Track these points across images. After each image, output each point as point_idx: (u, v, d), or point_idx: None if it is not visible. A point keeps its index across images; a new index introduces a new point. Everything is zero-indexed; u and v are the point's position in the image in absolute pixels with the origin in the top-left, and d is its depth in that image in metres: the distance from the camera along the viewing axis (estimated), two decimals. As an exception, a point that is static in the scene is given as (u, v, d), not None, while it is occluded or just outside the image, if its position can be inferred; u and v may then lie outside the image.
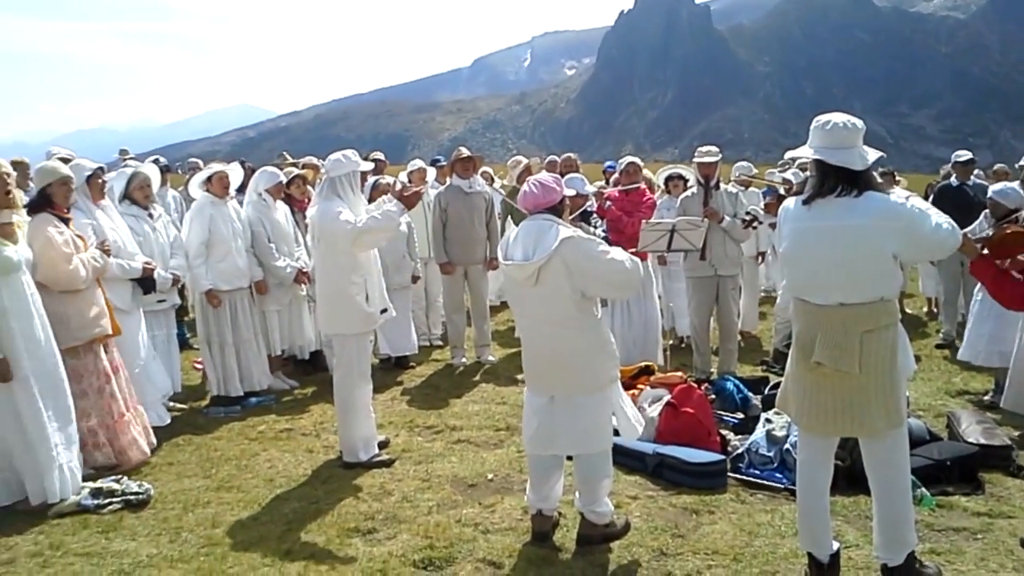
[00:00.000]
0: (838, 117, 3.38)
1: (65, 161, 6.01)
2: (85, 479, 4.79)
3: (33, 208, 5.02)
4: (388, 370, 7.64)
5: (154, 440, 5.55)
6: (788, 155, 3.93)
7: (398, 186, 6.14)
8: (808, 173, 3.86)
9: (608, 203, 7.13)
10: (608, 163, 10.66)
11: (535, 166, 8.61)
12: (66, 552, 4.02)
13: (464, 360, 7.87)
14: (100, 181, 5.82)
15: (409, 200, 5.06)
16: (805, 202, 3.42)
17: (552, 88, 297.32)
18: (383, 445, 5.43)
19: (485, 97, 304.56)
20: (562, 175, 6.23)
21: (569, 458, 4.09)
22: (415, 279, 7.99)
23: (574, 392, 3.86)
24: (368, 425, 5.29)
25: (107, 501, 4.59)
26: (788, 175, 8.35)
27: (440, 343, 8.67)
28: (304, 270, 7.04)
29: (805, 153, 3.43)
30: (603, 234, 6.26)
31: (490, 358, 7.94)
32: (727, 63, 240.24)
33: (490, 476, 4.94)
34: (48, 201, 5.07)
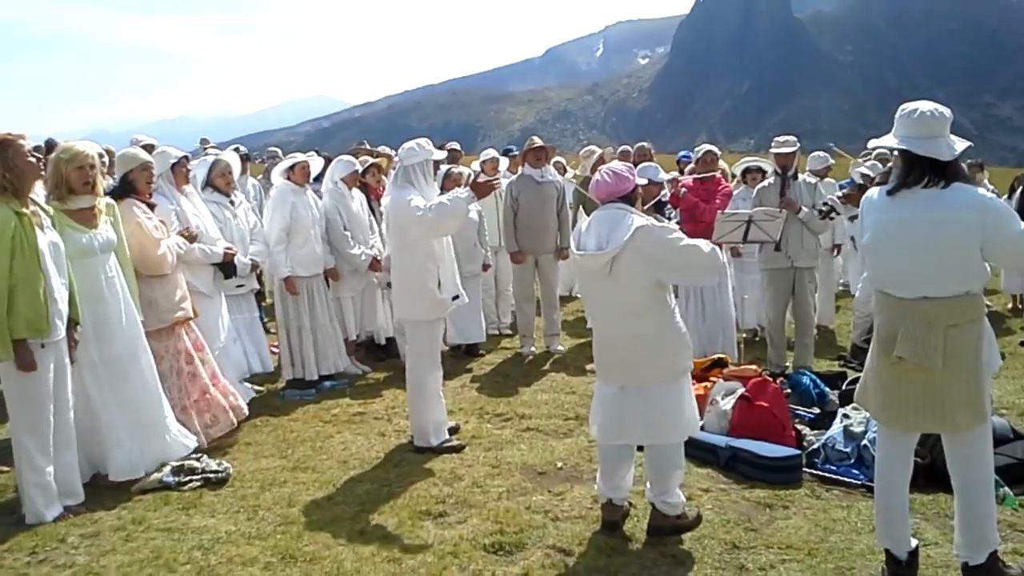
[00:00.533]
0: (925, 105, 3.28)
1: (149, 149, 6.18)
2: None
3: (116, 194, 5.13)
4: (458, 357, 7.70)
5: (245, 411, 5.70)
6: (872, 144, 3.82)
7: (469, 176, 6.18)
8: (889, 164, 3.75)
9: (683, 191, 7.04)
10: (682, 153, 10.53)
11: (608, 156, 8.56)
12: (148, 527, 4.17)
13: (533, 349, 7.88)
14: (184, 169, 5.99)
15: (481, 188, 5.09)
16: (890, 192, 3.32)
17: (624, 78, 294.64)
18: (453, 431, 5.49)
19: (556, 87, 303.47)
20: (635, 164, 6.19)
21: (640, 448, 4.07)
22: (486, 267, 8.04)
23: (646, 382, 3.84)
24: (439, 411, 5.35)
25: (187, 479, 4.73)
26: (865, 168, 8.12)
27: (509, 332, 8.70)
28: (378, 258, 7.14)
29: (890, 142, 3.34)
30: (677, 223, 6.19)
31: (559, 348, 7.93)
32: (806, 52, 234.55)
33: (559, 464, 4.95)
34: (131, 187, 5.21)
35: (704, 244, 3.78)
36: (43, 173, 4.47)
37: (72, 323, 4.36)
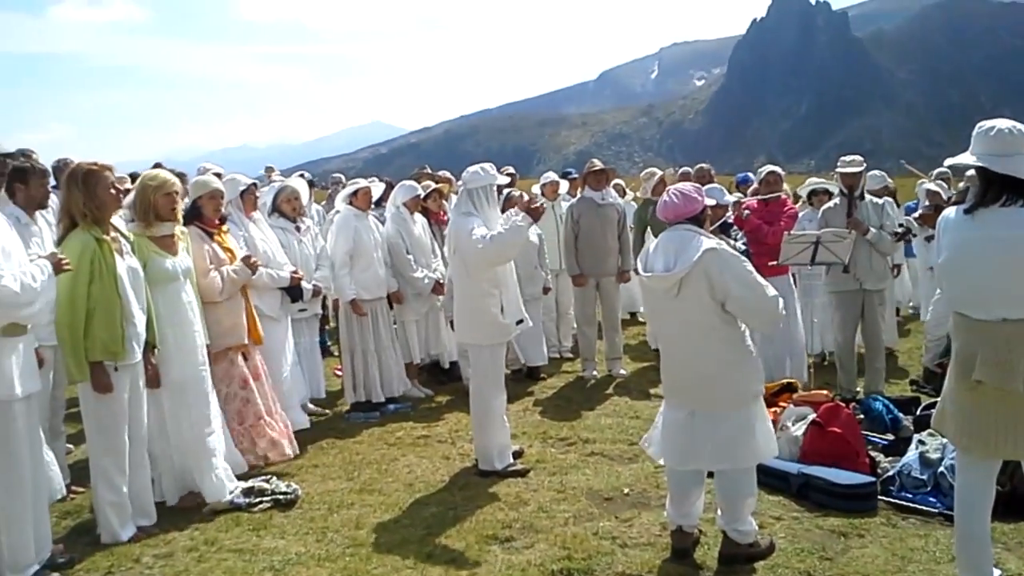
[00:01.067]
0: (1003, 123, 3.20)
1: (218, 176, 6.35)
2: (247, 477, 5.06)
3: (184, 220, 5.30)
4: (519, 381, 7.69)
5: (295, 447, 5.75)
6: (948, 162, 3.72)
7: (525, 197, 6.20)
8: (962, 184, 3.66)
9: (746, 213, 6.95)
10: (739, 175, 10.40)
11: (669, 178, 8.52)
12: (220, 548, 4.23)
13: (595, 373, 7.83)
14: (253, 196, 6.15)
15: (535, 212, 5.08)
16: (967, 211, 3.24)
17: (680, 99, 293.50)
18: (517, 455, 5.47)
19: (611, 110, 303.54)
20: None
21: (710, 475, 4.00)
22: (546, 290, 8.04)
23: (715, 407, 3.78)
24: (503, 434, 5.34)
25: (258, 500, 4.80)
26: (931, 185, 7.93)
27: (570, 355, 8.66)
28: (441, 281, 7.19)
29: (967, 160, 3.26)
30: (743, 246, 6.11)
31: (622, 371, 7.87)
32: (866, 70, 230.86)
33: (626, 490, 4.89)
34: (197, 213, 5.36)
35: (771, 290, 3.72)
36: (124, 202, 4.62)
37: (149, 347, 4.48)
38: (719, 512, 3.92)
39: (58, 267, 3.85)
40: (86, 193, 4.15)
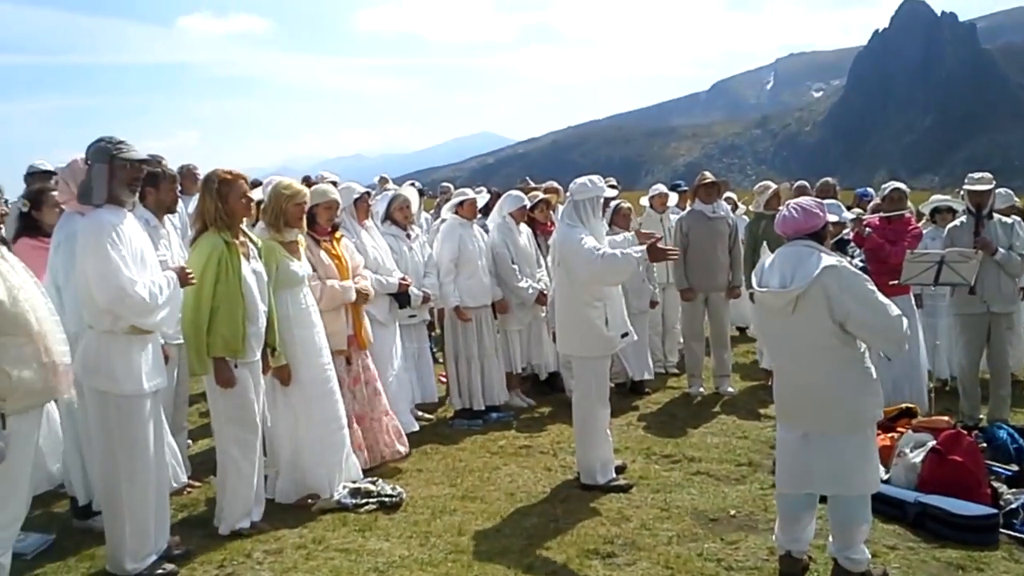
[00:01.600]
0: None
1: (334, 185, 6.55)
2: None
3: None
4: (623, 395, 7.61)
5: (405, 446, 5.84)
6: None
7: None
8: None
9: (868, 231, 6.68)
10: (860, 190, 10.01)
11: (784, 192, 8.27)
12: (327, 547, 4.34)
13: (702, 390, 7.68)
14: (366, 204, 6.32)
15: (656, 253, 4.96)
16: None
17: (796, 111, 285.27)
18: (620, 470, 5.41)
19: (723, 121, 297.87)
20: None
21: (823, 499, 3.86)
22: (653, 304, 7.94)
23: (830, 429, 3.64)
24: (606, 449, 5.29)
25: (364, 501, 4.92)
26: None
27: (676, 371, 8.52)
28: (544, 292, 7.19)
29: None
30: (861, 264, 5.86)
31: (729, 389, 7.69)
32: (995, 84, 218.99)
33: (733, 511, 4.77)
34: (311, 221, 5.53)
35: (895, 309, 3.57)
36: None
37: (269, 348, 4.66)
38: (831, 538, 3.78)
39: (184, 280, 4.08)
40: (219, 199, 4.37)
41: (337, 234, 5.68)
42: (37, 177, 6.28)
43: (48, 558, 4.26)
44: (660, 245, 5.05)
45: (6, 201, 3.34)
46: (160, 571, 4.00)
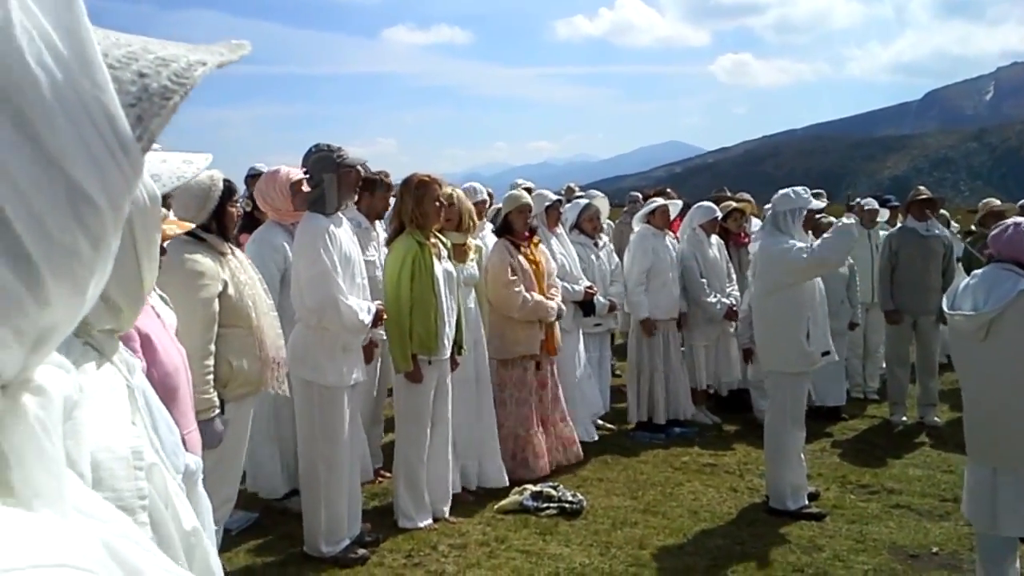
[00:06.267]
0: None
1: (528, 191, 6.65)
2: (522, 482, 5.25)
3: (498, 232, 5.68)
4: (816, 419, 7.23)
5: (579, 454, 5.83)
6: None
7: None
8: None
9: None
10: (1097, 212, 9.02)
11: (1010, 211, 7.59)
12: (509, 547, 4.41)
13: (904, 419, 7.16)
14: (557, 212, 6.38)
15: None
16: None
17: (1018, 124, 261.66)
18: (813, 497, 5.15)
19: (935, 133, 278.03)
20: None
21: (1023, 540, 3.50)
22: (853, 326, 7.50)
23: (1022, 465, 3.29)
24: (799, 473, 5.04)
25: (545, 505, 4.95)
26: None
27: (876, 397, 8.01)
28: (735, 307, 6.96)
29: None
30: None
31: (935, 420, 7.13)
32: None
33: (935, 549, 4.43)
34: (508, 227, 5.64)
35: None
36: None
37: (457, 347, 4.80)
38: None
39: (378, 318, 4.25)
40: (415, 200, 4.55)
41: (535, 239, 5.77)
42: (257, 179, 6.79)
43: (252, 535, 4.58)
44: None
45: (238, 202, 3.63)
46: (353, 555, 4.21)
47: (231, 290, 3.39)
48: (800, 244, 4.79)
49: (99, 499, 0.62)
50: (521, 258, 5.57)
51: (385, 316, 4.32)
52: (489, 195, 6.66)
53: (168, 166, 1.16)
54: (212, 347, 3.33)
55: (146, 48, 0.58)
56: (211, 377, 3.32)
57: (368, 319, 4.13)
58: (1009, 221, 3.55)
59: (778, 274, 4.89)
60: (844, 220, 4.82)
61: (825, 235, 4.78)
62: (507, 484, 5.24)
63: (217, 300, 3.37)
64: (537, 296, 5.50)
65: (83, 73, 0.47)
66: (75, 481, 0.61)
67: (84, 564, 0.46)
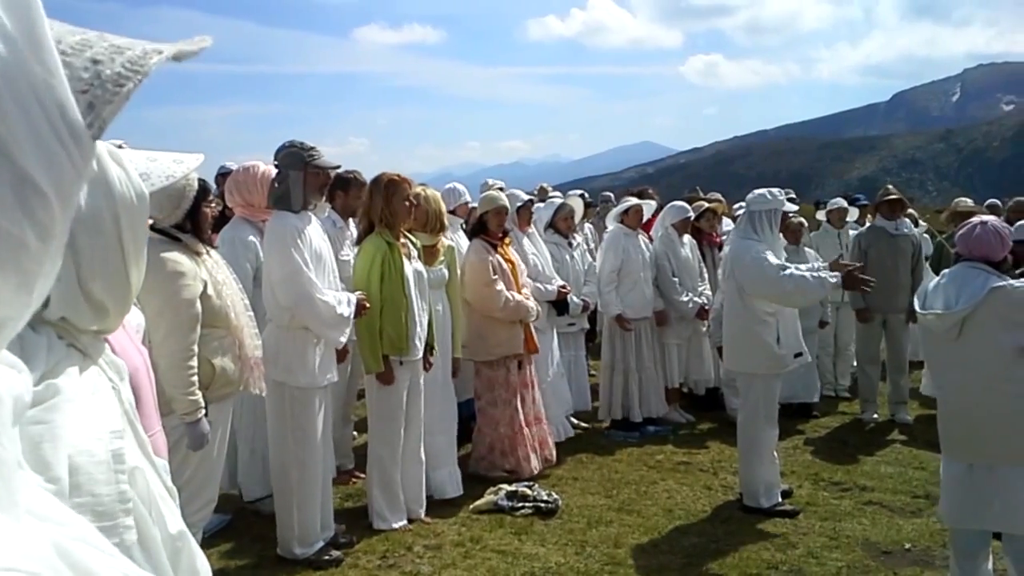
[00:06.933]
0: None
1: (500, 191, 6.64)
2: (497, 482, 5.23)
3: (472, 232, 5.65)
4: (788, 417, 7.28)
5: (552, 455, 5.81)
6: None
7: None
8: None
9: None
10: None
11: (979, 213, 7.69)
12: (484, 547, 4.39)
13: (876, 416, 7.23)
14: (528, 212, 6.37)
15: (852, 281, 4.76)
16: None
17: (984, 125, 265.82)
18: (786, 494, 5.18)
19: (903, 134, 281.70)
20: (1009, 222, 5.46)
21: (997, 536, 3.55)
22: (823, 324, 7.56)
23: (999, 461, 3.34)
24: (772, 471, 5.07)
25: (520, 504, 4.94)
26: None
27: (847, 395, 8.09)
28: (706, 307, 6.99)
29: None
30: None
31: (906, 417, 7.20)
32: None
33: (908, 545, 4.47)
34: (483, 227, 5.63)
35: None
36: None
37: (428, 348, 4.77)
38: (1013, 580, 3.45)
39: (360, 308, 4.21)
40: (384, 200, 4.52)
41: (507, 239, 5.76)
42: (227, 177, 6.71)
43: (224, 537, 4.52)
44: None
45: (212, 201, 3.58)
46: (327, 557, 4.17)
47: (210, 290, 3.35)
48: (772, 259, 4.77)
49: (55, 502, 0.60)
50: (499, 257, 5.56)
51: (367, 305, 4.27)
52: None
53: (158, 165, 1.13)
54: (196, 348, 3.28)
55: (102, 37, 0.56)
56: (196, 378, 3.27)
57: (348, 311, 4.08)
58: (975, 220, 3.59)
59: (744, 280, 4.90)
60: (825, 273, 4.80)
61: (809, 273, 4.74)
62: (461, 493, 5.16)
63: (199, 301, 3.32)
64: (518, 295, 5.49)
65: (32, 54, 0.45)
66: (30, 484, 0.59)
67: (32, 568, 0.44)
